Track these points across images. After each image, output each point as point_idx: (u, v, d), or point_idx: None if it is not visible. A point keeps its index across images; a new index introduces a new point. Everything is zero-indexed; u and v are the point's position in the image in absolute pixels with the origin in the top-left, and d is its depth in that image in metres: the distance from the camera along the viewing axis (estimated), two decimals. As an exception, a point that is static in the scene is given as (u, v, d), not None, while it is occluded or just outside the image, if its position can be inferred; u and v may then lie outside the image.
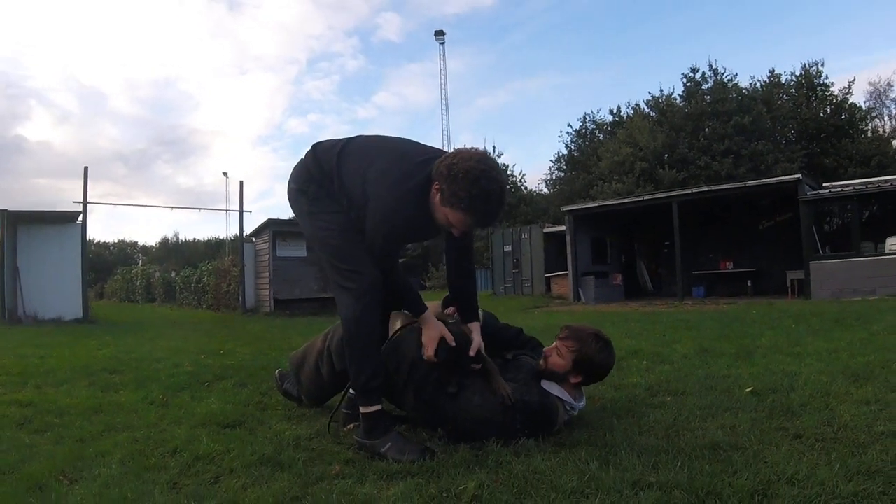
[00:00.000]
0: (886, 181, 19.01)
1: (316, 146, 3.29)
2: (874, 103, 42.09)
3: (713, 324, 9.44)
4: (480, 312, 3.51)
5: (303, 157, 3.33)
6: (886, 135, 39.01)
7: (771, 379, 4.51)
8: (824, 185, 20.59)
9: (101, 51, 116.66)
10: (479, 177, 2.72)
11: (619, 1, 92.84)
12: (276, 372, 4.34)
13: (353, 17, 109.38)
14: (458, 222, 2.85)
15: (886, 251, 17.01)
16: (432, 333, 3.15)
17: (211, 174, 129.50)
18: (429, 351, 3.13)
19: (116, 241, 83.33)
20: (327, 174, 3.13)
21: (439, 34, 59.77)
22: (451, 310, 3.52)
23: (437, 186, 2.81)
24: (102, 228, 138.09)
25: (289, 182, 3.32)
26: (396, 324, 3.37)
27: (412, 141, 3.31)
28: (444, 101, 58.61)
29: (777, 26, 78.32)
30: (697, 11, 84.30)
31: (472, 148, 2.99)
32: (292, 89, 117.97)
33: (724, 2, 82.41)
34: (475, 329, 3.33)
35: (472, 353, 3.17)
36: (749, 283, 21.72)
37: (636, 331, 8.77)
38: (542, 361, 3.40)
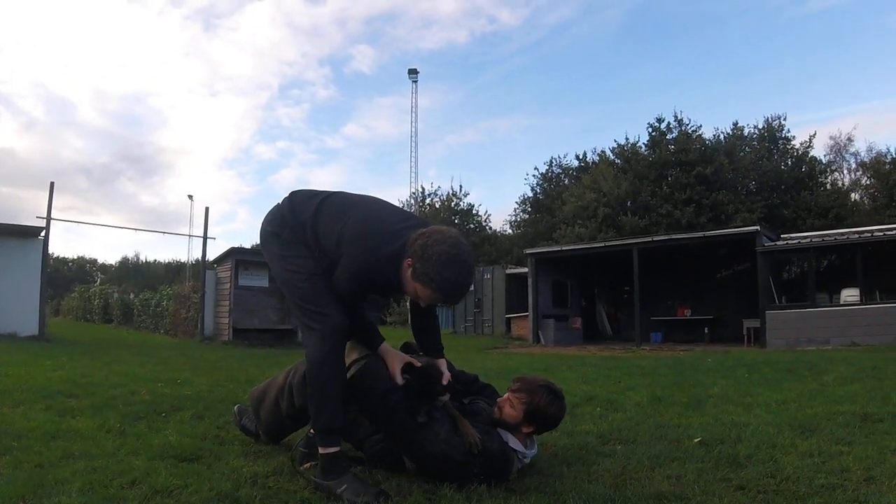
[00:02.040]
0: (842, 234, 19.45)
1: (294, 194, 3.40)
2: (834, 157, 42.96)
3: (668, 371, 9.54)
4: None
5: (279, 202, 3.43)
6: (845, 188, 39.79)
7: (719, 429, 4.60)
8: (782, 236, 21.00)
9: (72, 59, 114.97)
10: (450, 261, 2.88)
11: (591, 48, 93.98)
12: (235, 407, 4.36)
13: (327, 45, 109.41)
14: (427, 297, 3.00)
15: (841, 302, 17.38)
16: (396, 361, 3.28)
17: (174, 194, 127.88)
18: (397, 378, 3.23)
19: (76, 257, 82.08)
20: (301, 222, 3.23)
21: (412, 72, 59.87)
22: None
23: (410, 263, 2.94)
24: (61, 242, 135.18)
25: (262, 224, 3.42)
26: (353, 354, 3.41)
27: (389, 203, 3.45)
28: (413, 140, 58.38)
29: (742, 80, 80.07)
30: (665, 63, 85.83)
31: (445, 228, 3.10)
32: (262, 114, 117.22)
33: (691, 54, 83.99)
34: (442, 364, 3.44)
35: (444, 382, 3.26)
36: (706, 331, 22.00)
37: (592, 376, 8.83)
38: (495, 410, 3.47)
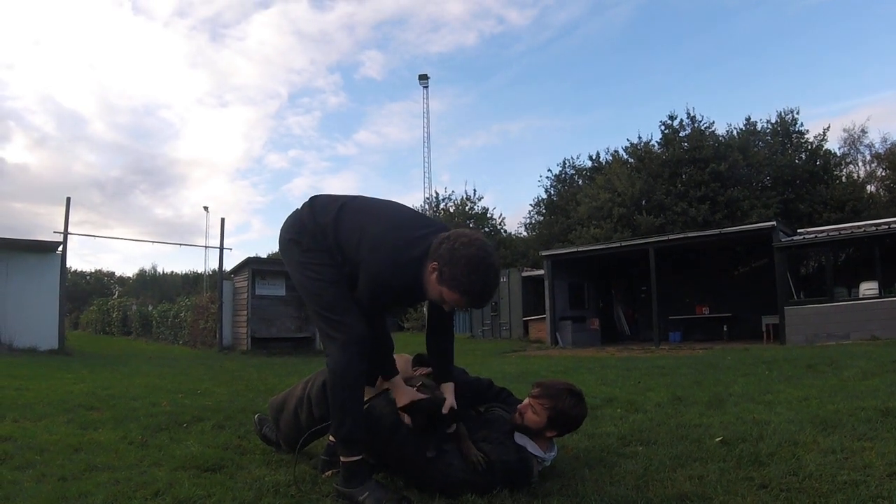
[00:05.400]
0: (859, 227, 19.35)
1: (314, 199, 3.36)
2: (848, 149, 42.69)
3: (688, 370, 9.52)
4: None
5: (298, 208, 3.39)
6: (860, 180, 39.49)
7: (741, 428, 4.57)
8: (799, 231, 20.91)
9: (81, 73, 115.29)
10: (479, 264, 2.88)
11: (600, 47, 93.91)
12: (256, 416, 4.37)
13: (335, 52, 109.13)
14: (454, 301, 2.97)
15: (860, 296, 17.25)
16: (404, 401, 3.23)
17: (188, 206, 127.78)
18: (405, 419, 3.21)
19: (93, 270, 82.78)
20: (322, 228, 3.19)
21: (423, 78, 59.61)
22: (423, 370, 3.59)
23: (436, 266, 2.92)
24: (77, 257, 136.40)
25: (281, 232, 3.38)
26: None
27: (409, 208, 3.45)
28: (426, 146, 58.08)
29: (753, 75, 79.81)
30: (675, 60, 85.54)
31: (469, 230, 3.10)
32: (273, 123, 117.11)
33: (701, 50, 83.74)
34: (448, 389, 3.39)
35: (444, 411, 3.21)
36: (725, 328, 21.92)
37: (612, 377, 8.82)
38: (516, 416, 3.45)
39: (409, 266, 3.00)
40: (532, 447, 3.37)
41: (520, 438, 3.40)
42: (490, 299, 3.05)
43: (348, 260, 3.13)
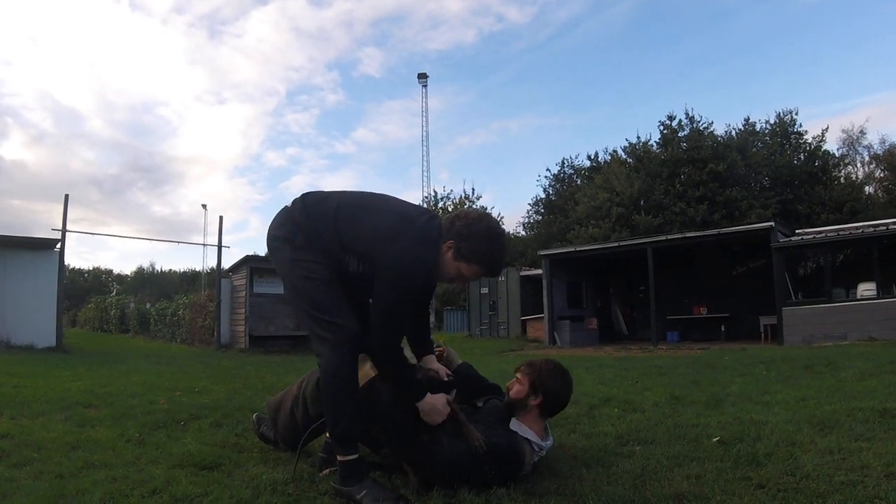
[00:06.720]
0: (857, 228, 19.36)
1: (306, 197, 3.35)
2: (847, 150, 42.76)
3: (686, 370, 9.52)
4: (460, 362, 3.60)
5: (287, 206, 3.37)
6: (859, 181, 39.52)
7: (738, 428, 4.56)
8: (797, 231, 20.91)
9: (79, 70, 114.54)
10: (496, 236, 3.18)
11: (600, 46, 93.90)
12: (254, 416, 4.37)
13: (334, 49, 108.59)
14: (472, 274, 3.18)
15: (858, 297, 17.25)
16: (442, 411, 3.24)
17: (186, 203, 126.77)
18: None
19: (91, 268, 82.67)
20: (319, 225, 3.18)
21: (422, 76, 59.72)
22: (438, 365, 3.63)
23: (452, 244, 3.10)
24: (75, 254, 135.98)
25: (270, 230, 3.35)
26: (365, 366, 3.38)
27: (401, 199, 3.46)
28: (425, 144, 58.22)
29: (752, 75, 79.74)
30: (675, 59, 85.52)
31: (474, 209, 3.25)
32: (271, 121, 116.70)
33: (701, 50, 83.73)
34: (431, 360, 3.60)
35: (446, 380, 3.37)
36: (723, 328, 21.91)
37: (609, 377, 8.82)
38: (506, 394, 3.55)
39: (429, 249, 3.11)
40: (525, 431, 3.39)
41: (515, 426, 3.42)
42: (502, 267, 3.34)
43: (353, 253, 3.16)
